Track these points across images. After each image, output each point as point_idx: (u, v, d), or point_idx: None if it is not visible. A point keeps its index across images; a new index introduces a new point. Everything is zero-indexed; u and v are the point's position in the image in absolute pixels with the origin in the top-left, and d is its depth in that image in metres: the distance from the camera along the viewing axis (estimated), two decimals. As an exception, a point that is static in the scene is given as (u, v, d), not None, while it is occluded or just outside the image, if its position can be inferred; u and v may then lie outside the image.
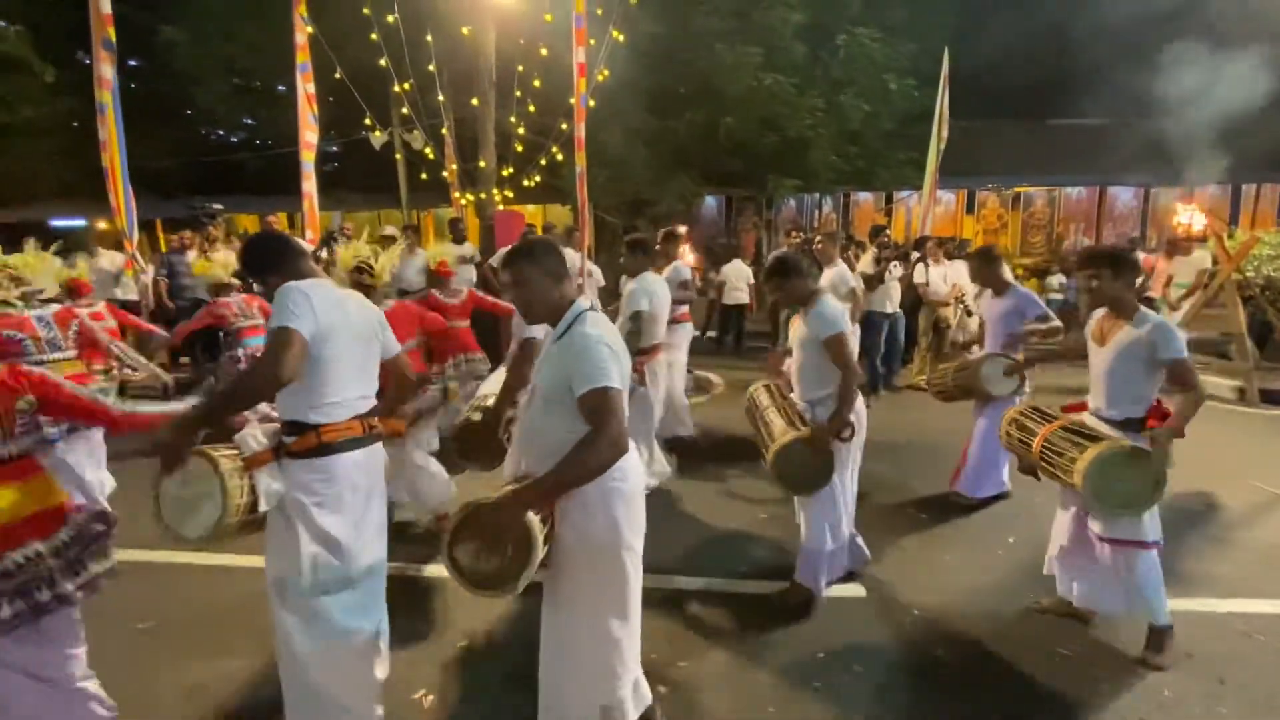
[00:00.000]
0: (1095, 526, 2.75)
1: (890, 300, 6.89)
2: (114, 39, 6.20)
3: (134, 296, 7.12)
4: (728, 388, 7.44)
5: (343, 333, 2.14)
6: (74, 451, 3.66)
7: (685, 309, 5.49)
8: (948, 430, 5.87)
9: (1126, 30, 10.38)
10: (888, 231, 7.45)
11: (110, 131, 6.21)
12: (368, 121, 10.00)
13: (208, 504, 1.99)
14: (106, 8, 6.12)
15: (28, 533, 1.95)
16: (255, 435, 2.10)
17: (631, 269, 4.42)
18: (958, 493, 4.32)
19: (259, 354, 4.91)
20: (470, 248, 8.53)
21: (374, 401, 2.32)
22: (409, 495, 3.85)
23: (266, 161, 15.59)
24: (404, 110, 10.10)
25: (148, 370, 4.29)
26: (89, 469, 3.78)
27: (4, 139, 12.88)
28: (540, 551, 1.84)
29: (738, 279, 9.46)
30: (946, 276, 7.39)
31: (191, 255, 7.77)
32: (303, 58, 7.73)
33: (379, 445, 2.34)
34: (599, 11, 8.50)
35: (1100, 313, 2.87)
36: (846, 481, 3.15)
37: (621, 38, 8.98)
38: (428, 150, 10.24)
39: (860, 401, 3.09)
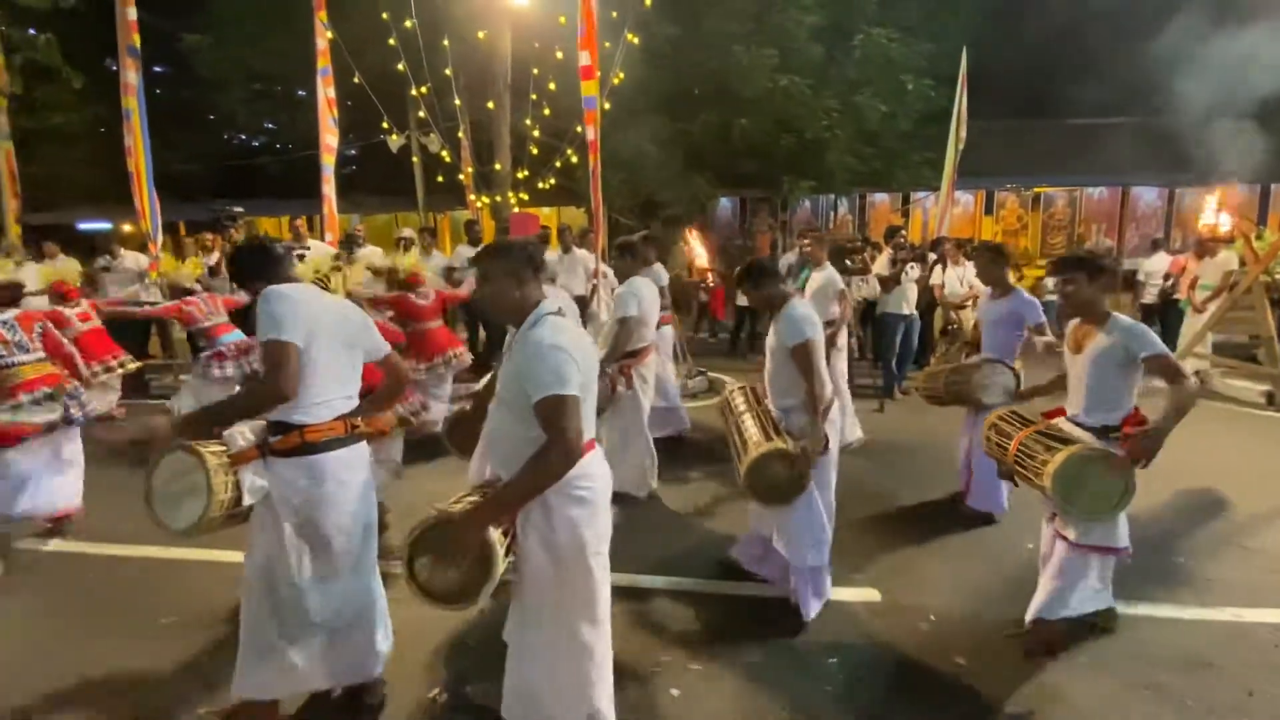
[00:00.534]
0: (1069, 533, 2.71)
1: (906, 302, 6.83)
2: (139, 46, 6.34)
3: (156, 297, 7.25)
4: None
5: (326, 336, 2.20)
6: (32, 457, 3.67)
7: (667, 312, 5.50)
8: (951, 434, 5.81)
9: (1149, 25, 10.20)
10: (904, 232, 7.38)
11: (135, 136, 6.34)
12: (385, 125, 10.12)
13: (194, 498, 2.07)
14: (132, 15, 6.25)
15: None
16: (243, 432, 2.17)
17: (621, 272, 4.45)
18: (969, 507, 4.16)
19: (240, 348, 5.01)
20: (485, 250, 8.57)
21: (357, 401, 2.37)
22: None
23: (286, 165, 15.83)
24: (421, 114, 10.22)
25: (100, 389, 4.41)
26: (46, 475, 3.75)
27: (34, 144, 13.19)
28: (500, 565, 1.85)
29: None
30: (963, 278, 7.31)
31: (214, 258, 7.90)
32: (323, 62, 7.84)
33: (363, 444, 2.39)
34: (614, 15, 8.54)
35: (1076, 320, 2.86)
36: (825, 495, 3.06)
37: (636, 40, 9.01)
38: (444, 153, 10.33)
39: (834, 409, 3.05)
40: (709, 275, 9.47)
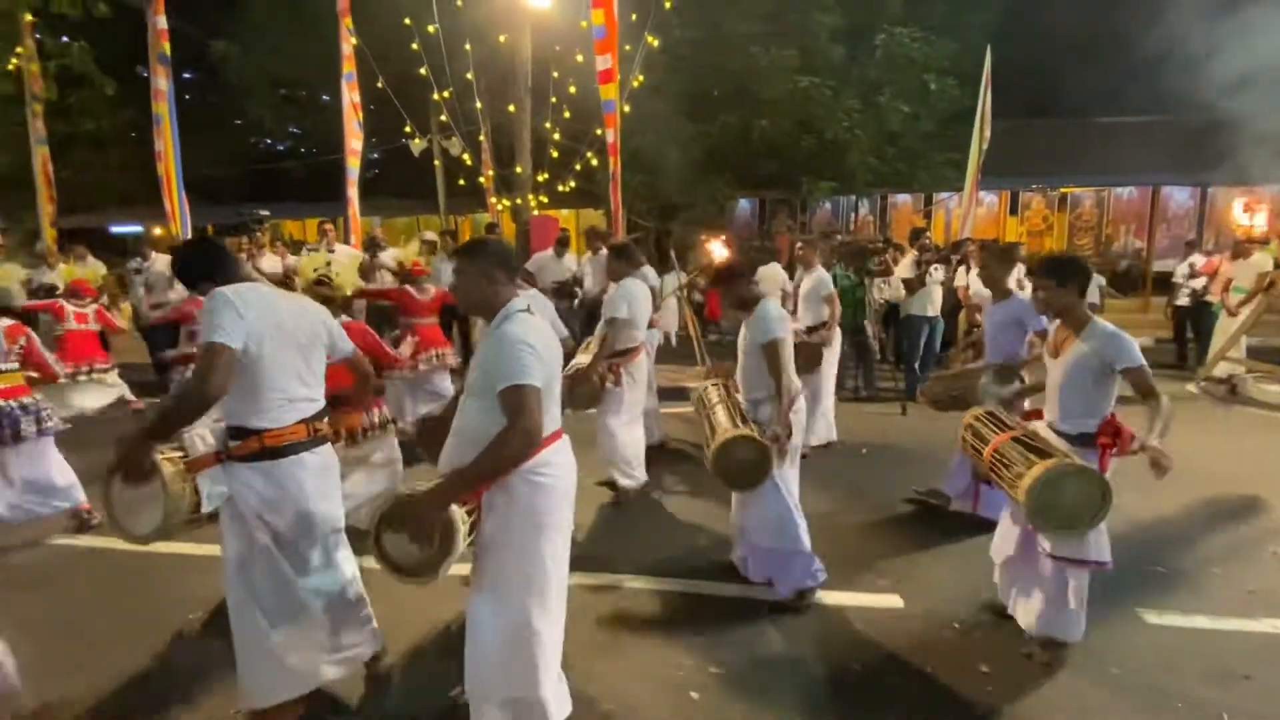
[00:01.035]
0: (1044, 543, 2.67)
1: (931, 304, 6.74)
2: (169, 54, 6.48)
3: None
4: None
5: (278, 336, 2.17)
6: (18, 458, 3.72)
7: (655, 314, 5.51)
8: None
9: (1179, 20, 9.97)
10: (928, 234, 7.28)
11: (166, 141, 6.49)
12: (408, 129, 10.24)
13: (153, 504, 2.08)
14: (163, 24, 6.40)
15: None
16: (203, 436, 2.16)
17: (614, 274, 4.50)
18: (982, 516, 3.99)
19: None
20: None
21: (321, 404, 2.35)
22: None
23: (310, 169, 16.09)
24: (443, 117, 10.32)
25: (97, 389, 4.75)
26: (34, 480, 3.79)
27: (69, 150, 13.55)
28: (462, 542, 1.91)
29: (770, 283, 9.36)
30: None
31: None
32: (348, 67, 7.97)
33: (328, 447, 2.39)
34: (633, 17, 8.56)
35: (1058, 323, 2.82)
36: (790, 484, 3.18)
37: (655, 43, 9.01)
38: (465, 156, 10.42)
39: (800, 403, 3.20)
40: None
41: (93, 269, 5.90)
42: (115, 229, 15.35)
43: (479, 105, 9.78)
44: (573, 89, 9.55)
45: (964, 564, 3.63)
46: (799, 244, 6.18)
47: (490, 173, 10.34)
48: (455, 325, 8.55)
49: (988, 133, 8.97)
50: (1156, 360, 8.72)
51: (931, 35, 11.84)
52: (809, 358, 5.26)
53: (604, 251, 7.87)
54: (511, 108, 9.60)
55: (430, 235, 8.44)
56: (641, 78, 8.88)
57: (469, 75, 9.35)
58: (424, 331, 5.42)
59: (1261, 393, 7.14)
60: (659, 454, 5.20)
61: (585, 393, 4.09)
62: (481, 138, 10.25)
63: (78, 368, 5.35)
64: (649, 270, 5.47)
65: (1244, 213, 8.71)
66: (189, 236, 7.04)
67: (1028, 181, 14.85)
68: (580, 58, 9.14)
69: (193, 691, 2.60)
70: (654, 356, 5.69)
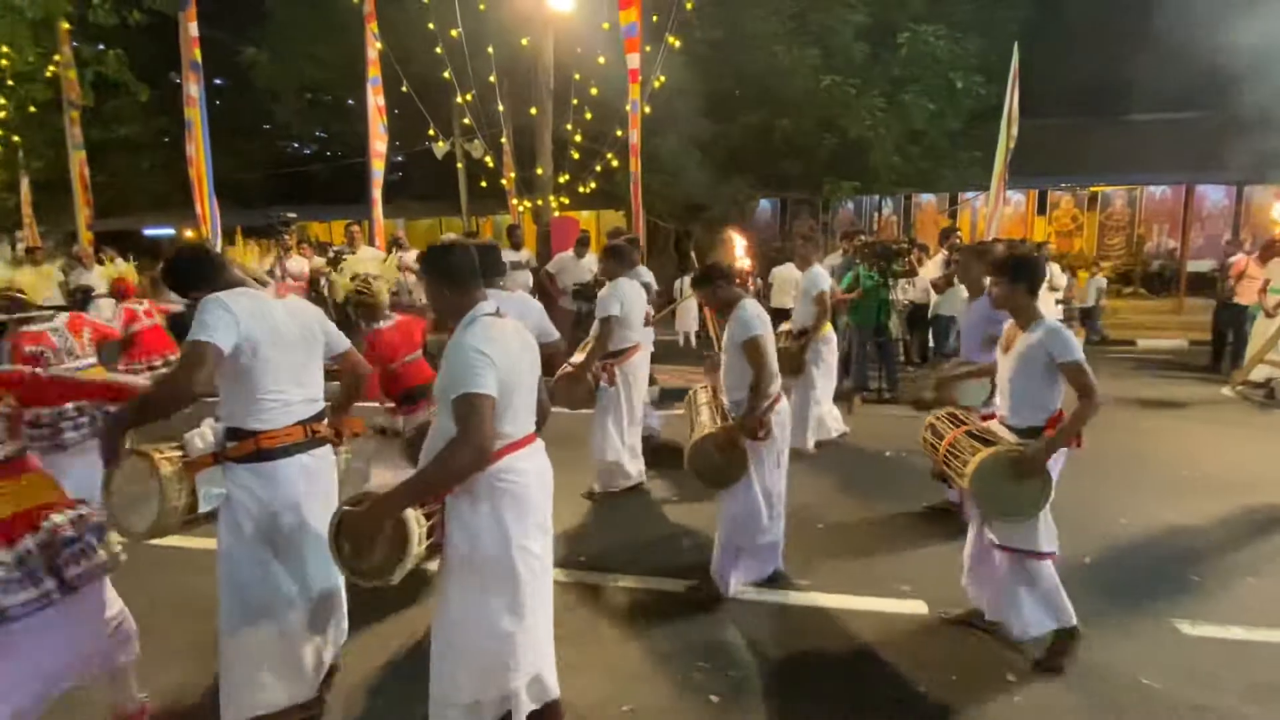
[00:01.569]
0: (992, 535, 2.76)
1: (959, 304, 6.63)
2: (200, 60, 6.62)
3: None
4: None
5: (271, 339, 2.17)
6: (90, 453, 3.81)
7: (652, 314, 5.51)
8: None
9: (1212, 16, 9.69)
10: (958, 233, 7.16)
11: (197, 146, 6.63)
12: (431, 132, 10.35)
13: (149, 502, 2.10)
14: (194, 31, 6.54)
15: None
16: (203, 435, 2.18)
17: (607, 273, 4.50)
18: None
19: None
20: (526, 253, 8.69)
21: (320, 405, 2.36)
22: None
23: (335, 172, 16.35)
24: (465, 120, 10.41)
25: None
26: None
27: (104, 155, 13.93)
28: (416, 547, 1.90)
29: (786, 283, 9.29)
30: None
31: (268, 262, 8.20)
32: (373, 72, 8.08)
33: (327, 449, 2.39)
34: (654, 18, 8.56)
35: (1011, 320, 2.86)
36: (768, 483, 3.20)
37: (677, 43, 9.00)
38: (487, 159, 10.51)
39: (783, 404, 3.24)
40: (749, 278, 9.38)
41: (126, 270, 6.04)
42: (148, 232, 15.76)
43: (501, 108, 9.86)
44: (594, 90, 9.58)
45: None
46: (799, 242, 6.14)
47: (512, 175, 10.41)
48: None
49: (1015, 131, 8.80)
50: (1192, 363, 8.52)
51: (957, 33, 11.66)
52: (791, 364, 5.23)
53: None
54: (533, 110, 9.66)
55: (452, 237, 8.52)
56: (663, 78, 8.87)
57: (491, 78, 9.43)
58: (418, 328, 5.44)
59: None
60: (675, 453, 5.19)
61: (580, 392, 4.11)
62: (503, 140, 10.34)
63: (152, 361, 5.48)
64: (644, 270, 5.47)
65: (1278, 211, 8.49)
66: (218, 238, 7.19)
67: (1056, 180, 14.56)
68: (602, 59, 9.17)
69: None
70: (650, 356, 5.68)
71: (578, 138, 10.03)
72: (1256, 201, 14.26)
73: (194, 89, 6.58)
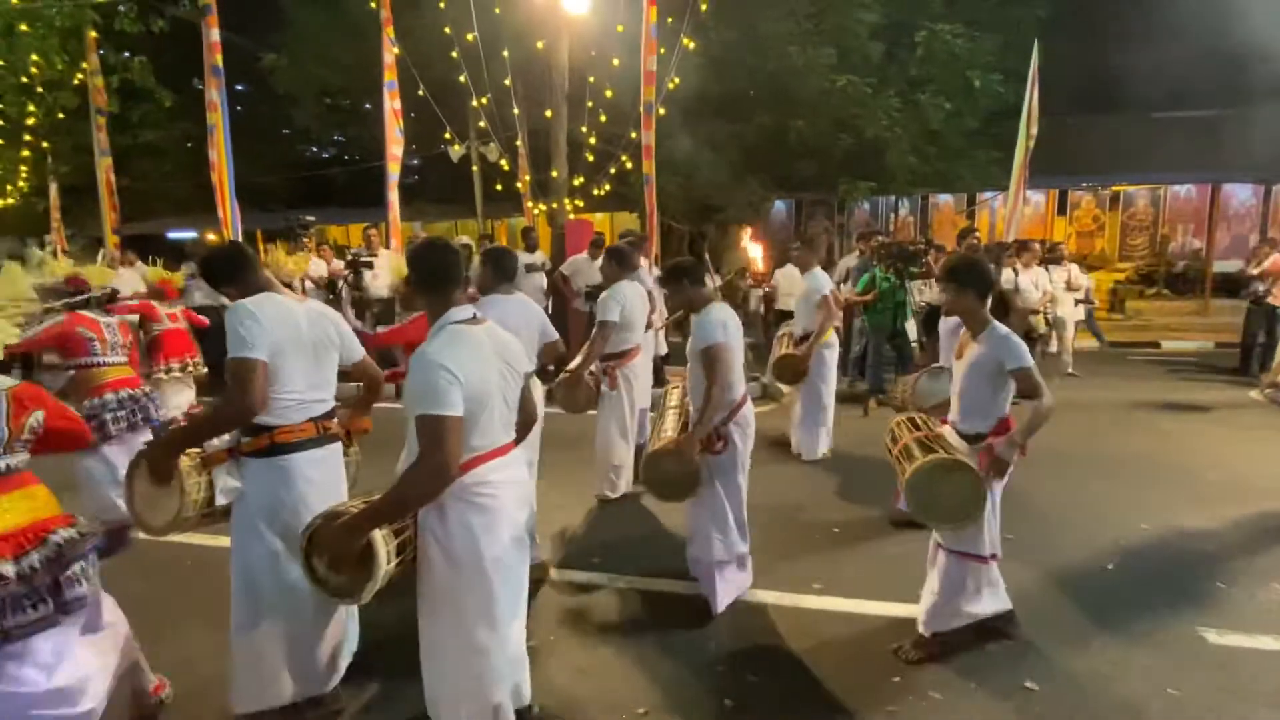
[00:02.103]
0: (938, 536, 2.81)
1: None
2: (222, 66, 6.72)
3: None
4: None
5: (293, 343, 2.26)
6: (131, 443, 3.82)
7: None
8: (1029, 447, 5.53)
9: (1238, 8, 9.48)
10: (976, 233, 7.07)
11: (219, 150, 6.72)
12: (447, 136, 10.42)
13: (169, 498, 2.17)
14: (215, 36, 6.63)
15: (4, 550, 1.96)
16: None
17: (608, 276, 4.49)
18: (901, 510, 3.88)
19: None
20: (541, 255, 8.73)
21: (331, 404, 2.42)
22: None
23: (353, 175, 16.52)
24: (481, 124, 10.48)
25: (175, 386, 4.93)
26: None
27: (129, 160, 14.19)
28: (384, 566, 1.90)
29: (791, 285, 9.22)
30: (1038, 283, 6.97)
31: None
32: (390, 76, 8.16)
33: (338, 446, 2.46)
34: (669, 20, 8.56)
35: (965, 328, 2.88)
36: (732, 492, 3.14)
37: (692, 45, 8.99)
38: (503, 162, 10.56)
39: (748, 411, 3.15)
40: (764, 279, 9.35)
41: (142, 273, 6.14)
42: (172, 235, 16.01)
43: (516, 111, 9.91)
44: (609, 93, 9.60)
45: (1015, 576, 3.50)
46: (795, 246, 6.09)
47: (527, 177, 10.46)
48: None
49: (1034, 130, 8.69)
50: (1219, 365, 8.34)
51: (976, 31, 11.53)
52: (793, 370, 5.18)
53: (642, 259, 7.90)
54: (548, 113, 9.70)
55: (467, 239, 8.57)
56: (678, 79, 8.87)
57: (507, 82, 9.48)
58: (415, 327, 5.49)
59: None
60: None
61: (579, 396, 4.12)
62: (518, 143, 10.39)
63: (170, 364, 5.58)
64: (644, 273, 5.46)
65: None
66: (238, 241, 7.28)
67: (1077, 180, 14.34)
68: (616, 62, 9.19)
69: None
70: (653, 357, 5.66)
71: (592, 140, 10.06)
72: (1286, 201, 13.95)
73: (215, 94, 6.67)
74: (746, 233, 9.75)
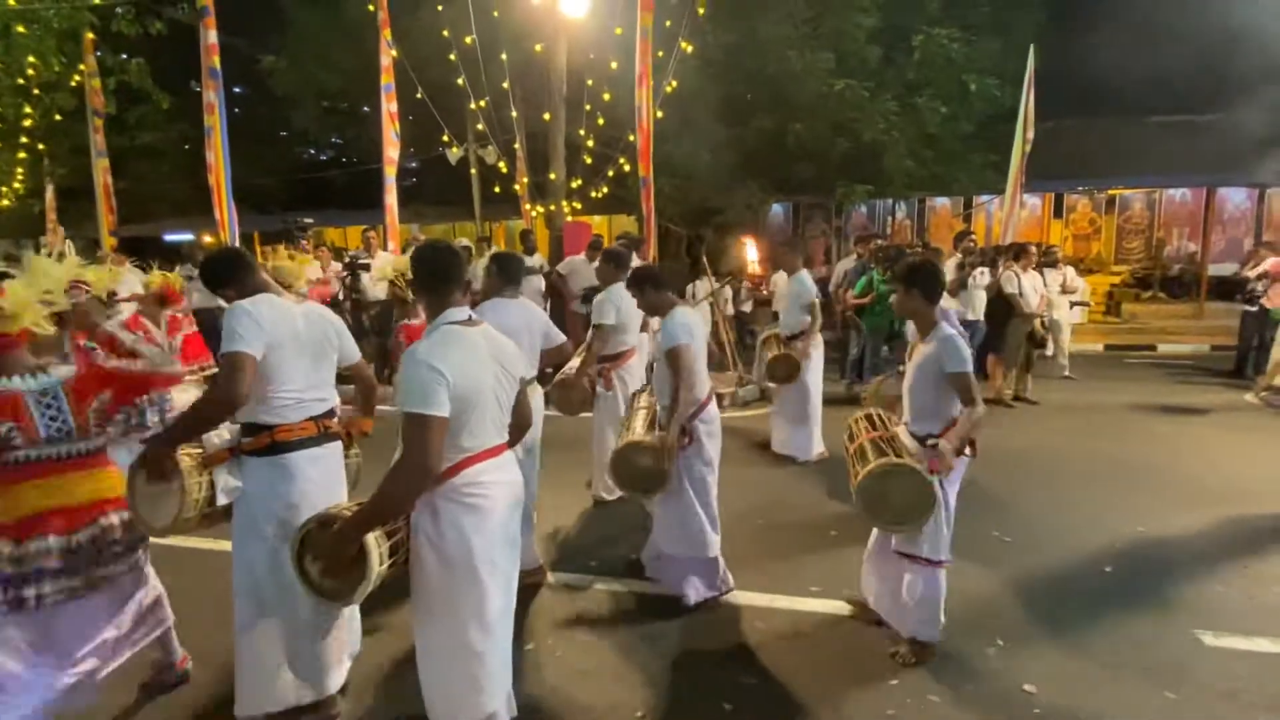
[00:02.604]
0: (893, 541, 2.81)
1: (973, 308, 6.57)
2: (219, 68, 6.71)
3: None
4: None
5: (291, 342, 2.27)
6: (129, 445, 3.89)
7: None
8: (1026, 451, 5.54)
9: (1233, 14, 9.55)
10: (973, 237, 7.09)
11: (216, 152, 6.70)
12: (445, 138, 10.43)
13: (170, 498, 2.18)
14: (213, 39, 6.63)
15: (59, 524, 2.21)
16: (219, 432, 2.27)
17: (604, 279, 4.50)
18: None
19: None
20: (539, 258, 8.73)
21: (330, 404, 2.43)
22: None
23: (352, 178, 16.53)
24: (479, 126, 10.49)
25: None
26: None
27: (126, 161, 14.18)
28: (376, 567, 1.90)
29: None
30: (1036, 286, 6.99)
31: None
32: (387, 79, 8.16)
33: (338, 445, 2.47)
34: (667, 23, 8.58)
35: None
36: (700, 489, 3.18)
37: (690, 48, 9.01)
38: (501, 164, 10.57)
39: (714, 409, 3.24)
40: (763, 282, 9.36)
41: (137, 278, 6.11)
42: (169, 237, 15.98)
43: (514, 114, 9.92)
44: (607, 96, 9.62)
45: (1008, 580, 3.51)
46: (778, 250, 6.10)
47: (525, 180, 10.47)
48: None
49: (1030, 134, 8.73)
50: (1214, 368, 8.37)
51: (972, 35, 11.59)
52: (787, 369, 5.20)
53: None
54: (546, 116, 9.71)
55: (465, 241, 8.57)
56: (676, 82, 8.88)
57: (505, 84, 9.49)
58: (409, 331, 5.48)
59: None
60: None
61: (575, 398, 4.13)
62: (517, 145, 10.40)
63: (201, 366, 5.57)
64: None
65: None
66: (236, 244, 7.28)
67: (1073, 183, 14.41)
68: (614, 64, 9.20)
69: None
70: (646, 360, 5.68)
71: (590, 143, 10.07)
72: (1279, 205, 14.03)
73: (213, 96, 6.65)
74: (747, 238, 9.74)
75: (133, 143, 14.64)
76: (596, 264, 4.73)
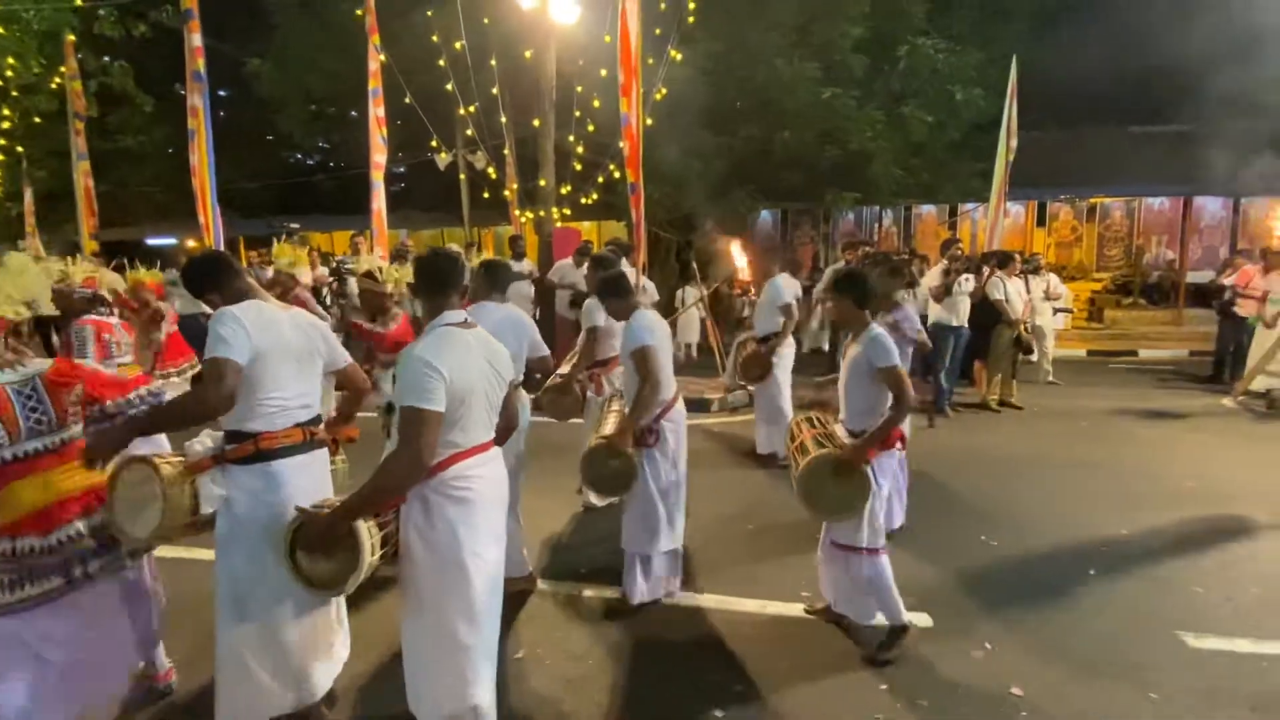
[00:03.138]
0: (832, 533, 2.96)
1: (958, 314, 6.65)
2: (204, 71, 6.65)
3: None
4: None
5: (277, 349, 2.24)
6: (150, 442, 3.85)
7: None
8: (1013, 455, 5.61)
9: (1213, 27, 9.77)
10: (959, 243, 7.18)
11: (200, 156, 6.63)
12: (434, 144, 10.39)
13: (152, 507, 2.14)
14: (198, 42, 6.57)
15: (76, 510, 2.19)
16: (203, 441, 2.25)
17: (593, 284, 4.51)
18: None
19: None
20: (528, 264, 8.72)
21: (316, 410, 2.41)
22: None
23: (339, 183, 16.41)
24: (469, 132, 10.47)
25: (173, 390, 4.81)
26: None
27: (108, 165, 13.98)
28: (368, 557, 1.95)
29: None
30: (1020, 292, 7.09)
31: (270, 271, 8.22)
32: (374, 84, 8.12)
33: (324, 452, 2.45)
34: (656, 31, 8.63)
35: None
36: (664, 487, 3.24)
37: (679, 57, 9.06)
38: (490, 170, 10.55)
39: (679, 410, 3.31)
40: (750, 287, 9.41)
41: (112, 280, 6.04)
42: (152, 241, 15.77)
43: (504, 120, 9.91)
44: (596, 103, 9.64)
45: (997, 582, 3.55)
46: (756, 256, 6.17)
47: (514, 186, 10.45)
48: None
49: (1014, 143, 8.85)
50: (1193, 373, 8.52)
51: (957, 46, 11.76)
52: (760, 368, 5.27)
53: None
54: (536, 122, 9.71)
55: (454, 247, 8.54)
56: (664, 90, 8.93)
57: (494, 90, 9.49)
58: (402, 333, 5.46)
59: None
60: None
61: (567, 403, 4.15)
62: (506, 151, 10.38)
63: (169, 367, 5.49)
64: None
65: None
66: (220, 248, 7.20)
67: (1056, 192, 14.63)
68: (604, 72, 9.23)
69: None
70: None
71: (580, 149, 10.08)
72: (1254, 215, 14.33)
73: (198, 100, 6.58)
74: (730, 243, 9.81)
75: (115, 146, 14.44)
76: (584, 269, 4.76)
